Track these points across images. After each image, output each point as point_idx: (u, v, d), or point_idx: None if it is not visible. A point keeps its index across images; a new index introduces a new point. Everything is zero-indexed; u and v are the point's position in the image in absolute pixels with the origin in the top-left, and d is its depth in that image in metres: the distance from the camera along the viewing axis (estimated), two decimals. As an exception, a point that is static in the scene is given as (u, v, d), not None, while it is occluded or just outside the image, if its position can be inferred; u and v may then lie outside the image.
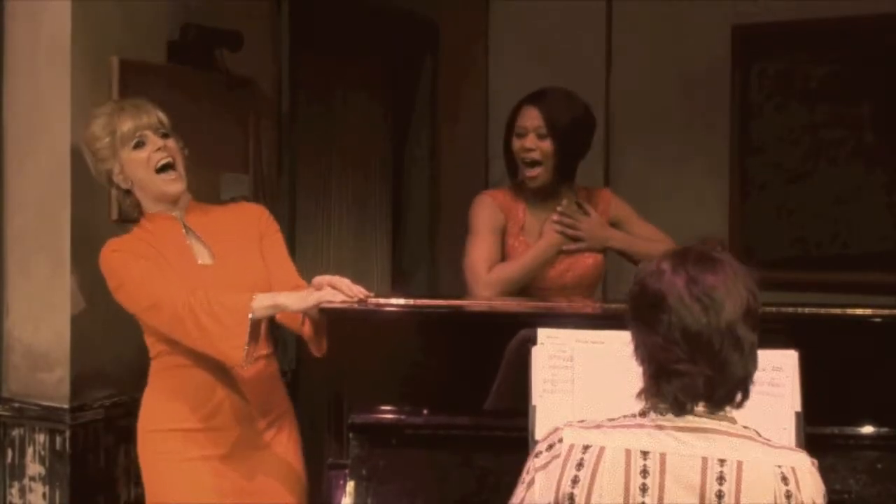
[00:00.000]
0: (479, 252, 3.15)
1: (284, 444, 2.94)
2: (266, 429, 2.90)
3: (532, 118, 3.15)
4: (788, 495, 1.77)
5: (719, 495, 1.76)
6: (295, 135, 4.00)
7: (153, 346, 2.88)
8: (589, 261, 3.24)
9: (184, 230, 2.87)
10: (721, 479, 1.76)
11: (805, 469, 1.80)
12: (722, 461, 1.77)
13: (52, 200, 3.23)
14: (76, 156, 3.19)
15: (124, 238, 2.89)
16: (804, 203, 4.47)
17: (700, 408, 1.81)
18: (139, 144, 2.81)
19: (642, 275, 1.85)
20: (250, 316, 2.59)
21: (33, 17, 3.26)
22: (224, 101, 3.57)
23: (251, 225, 2.96)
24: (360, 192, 4.61)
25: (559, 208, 3.21)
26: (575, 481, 1.78)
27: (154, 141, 2.82)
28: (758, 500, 1.76)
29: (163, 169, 2.82)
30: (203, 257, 2.86)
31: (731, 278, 1.80)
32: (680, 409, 1.81)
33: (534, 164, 3.16)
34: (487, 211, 3.23)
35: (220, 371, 2.81)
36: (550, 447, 1.84)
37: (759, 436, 1.84)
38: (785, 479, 1.77)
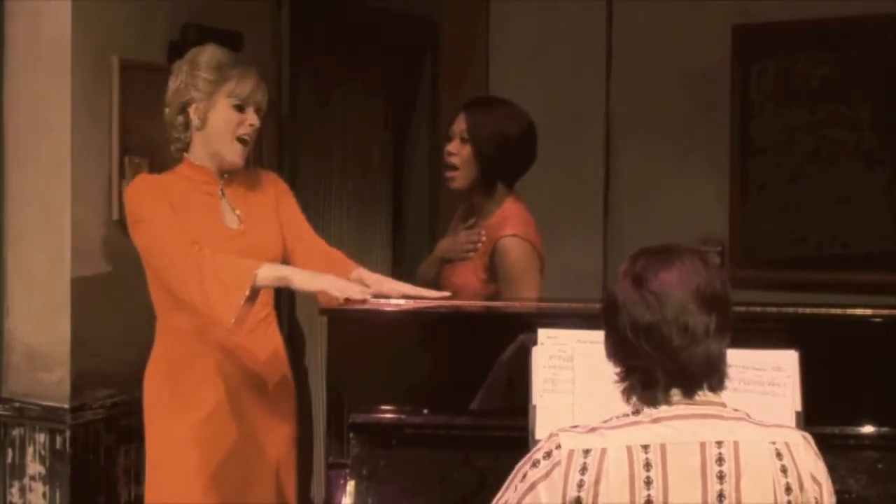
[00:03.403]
0: None
1: (284, 414, 2.99)
2: (269, 394, 2.94)
3: (459, 122, 3.16)
4: (784, 470, 1.80)
5: (720, 476, 1.78)
6: (295, 135, 4.00)
7: (162, 302, 2.88)
8: (464, 280, 3.17)
9: (220, 193, 2.94)
10: (720, 460, 1.79)
11: (798, 443, 1.84)
12: (719, 443, 1.80)
13: (52, 200, 3.23)
14: (76, 156, 3.19)
15: (159, 176, 2.93)
16: (804, 203, 4.46)
17: (675, 396, 1.84)
18: (240, 108, 2.89)
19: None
20: (253, 282, 2.61)
21: (33, 17, 3.26)
22: (224, 100, 3.57)
23: (268, 191, 3.03)
24: (361, 191, 4.60)
25: (469, 223, 3.25)
26: (580, 485, 1.78)
27: (252, 116, 2.91)
28: (757, 477, 1.79)
29: (241, 141, 2.91)
30: (231, 221, 2.92)
31: (676, 270, 1.84)
32: (653, 400, 1.84)
33: (452, 168, 3.17)
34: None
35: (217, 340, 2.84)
36: (548, 454, 1.82)
37: (750, 418, 1.87)
38: (779, 455, 1.81)
